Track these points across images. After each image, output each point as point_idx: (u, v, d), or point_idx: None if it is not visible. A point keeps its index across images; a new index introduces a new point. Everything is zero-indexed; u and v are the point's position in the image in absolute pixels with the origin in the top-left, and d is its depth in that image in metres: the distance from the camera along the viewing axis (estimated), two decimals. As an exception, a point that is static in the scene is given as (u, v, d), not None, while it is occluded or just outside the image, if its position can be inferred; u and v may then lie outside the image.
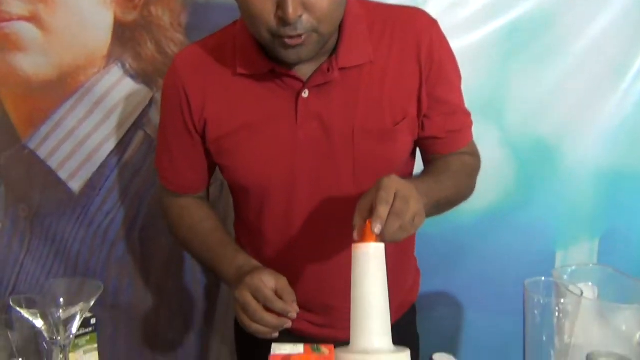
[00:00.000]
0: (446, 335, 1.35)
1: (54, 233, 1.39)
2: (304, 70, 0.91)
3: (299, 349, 0.69)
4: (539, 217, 1.32)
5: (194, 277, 1.45)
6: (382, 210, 0.75)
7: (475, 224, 1.31)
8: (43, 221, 1.40)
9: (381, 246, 0.75)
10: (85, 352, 0.94)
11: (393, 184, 0.77)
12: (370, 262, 0.74)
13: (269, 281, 0.86)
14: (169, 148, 1.03)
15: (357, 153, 0.93)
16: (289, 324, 0.84)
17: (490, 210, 1.31)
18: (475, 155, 1.03)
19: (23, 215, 1.40)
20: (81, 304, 0.82)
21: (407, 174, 1.03)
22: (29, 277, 1.42)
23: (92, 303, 0.84)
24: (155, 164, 1.07)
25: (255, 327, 0.84)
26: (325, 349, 0.70)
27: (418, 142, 1.00)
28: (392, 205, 0.76)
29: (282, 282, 0.87)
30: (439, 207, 0.91)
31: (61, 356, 0.86)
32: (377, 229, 0.74)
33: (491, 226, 1.33)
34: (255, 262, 0.94)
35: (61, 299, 0.86)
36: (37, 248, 1.41)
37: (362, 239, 0.75)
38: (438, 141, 0.98)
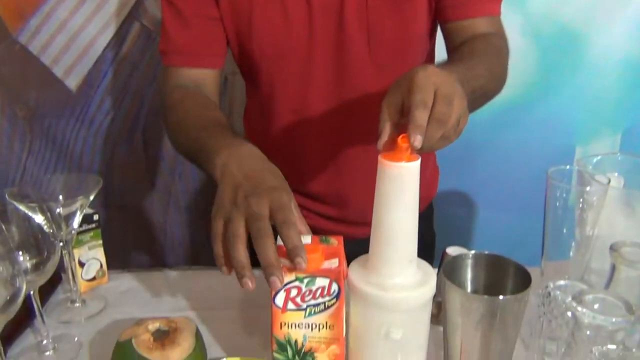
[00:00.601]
0: (461, 234, 1.33)
1: (54, 134, 1.35)
2: None
3: (306, 239, 0.65)
4: (559, 110, 1.26)
5: (201, 177, 1.42)
6: (421, 117, 0.59)
7: (492, 118, 1.25)
8: (42, 121, 1.35)
9: (416, 165, 0.60)
10: (90, 249, 0.92)
11: (431, 78, 0.62)
12: (402, 185, 0.60)
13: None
14: (179, 12, 0.91)
15: (370, 20, 0.86)
16: (247, 285, 0.61)
17: (509, 104, 1.24)
18: (502, 37, 0.92)
19: (21, 115, 1.35)
20: (81, 197, 0.79)
21: (426, 56, 0.95)
22: (33, 179, 1.39)
23: (91, 197, 0.81)
24: (161, 45, 0.95)
25: (217, 250, 0.64)
26: (334, 240, 0.66)
27: (437, 12, 0.90)
28: (433, 109, 0.61)
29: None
30: (474, 100, 0.74)
31: (65, 252, 0.84)
32: (418, 142, 0.58)
33: (509, 120, 1.27)
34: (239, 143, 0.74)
35: (60, 195, 0.83)
36: (38, 149, 1.38)
37: (392, 153, 0.60)
38: (457, 2, 0.88)
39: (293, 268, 0.61)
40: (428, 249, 1.10)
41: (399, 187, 0.61)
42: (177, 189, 1.45)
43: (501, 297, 0.62)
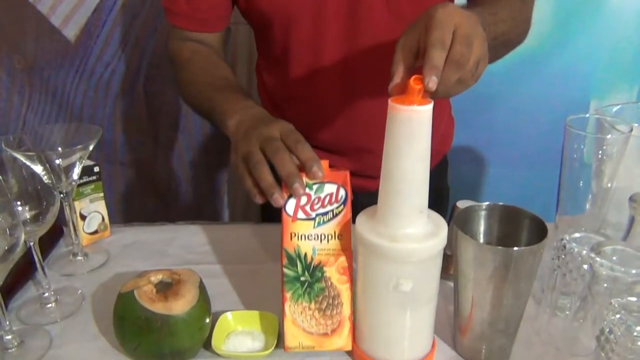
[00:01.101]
0: (471, 190, 1.30)
1: (54, 86, 1.32)
2: None
3: None
4: (575, 61, 1.21)
5: (204, 131, 1.39)
6: (438, 57, 0.55)
7: (505, 71, 1.21)
8: (41, 73, 1.32)
9: (428, 109, 0.56)
10: (91, 201, 0.90)
11: (451, 17, 0.57)
12: (413, 131, 0.57)
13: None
14: None
15: None
16: (278, 201, 0.64)
17: (523, 55, 1.19)
18: None
19: (19, 66, 1.32)
20: (80, 147, 0.77)
21: None
22: (32, 131, 1.36)
23: (91, 147, 0.78)
24: (164, 1, 0.93)
25: (248, 185, 0.66)
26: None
27: None
28: (451, 49, 0.56)
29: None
30: (495, 47, 0.70)
31: (65, 203, 0.82)
32: (433, 83, 0.55)
33: (523, 73, 1.23)
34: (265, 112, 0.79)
35: (59, 145, 0.80)
36: (38, 102, 1.34)
37: (403, 97, 0.57)
38: None
39: (303, 174, 0.62)
40: (441, 203, 1.07)
41: (410, 133, 0.57)
42: (180, 143, 1.42)
43: (516, 248, 0.60)
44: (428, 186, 0.61)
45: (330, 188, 0.63)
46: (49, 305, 0.76)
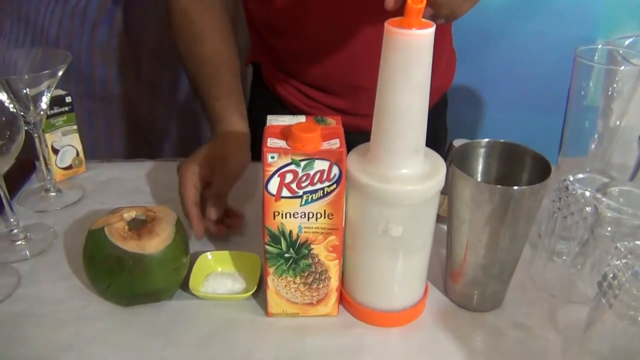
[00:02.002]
0: (469, 131, 1.25)
1: (26, 13, 1.23)
2: None
3: (299, 118, 0.58)
4: (579, -2, 1.14)
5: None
6: None
7: (505, 6, 1.14)
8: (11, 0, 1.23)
9: (429, 33, 0.50)
10: (64, 134, 0.84)
11: None
12: (412, 58, 0.51)
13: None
14: None
15: None
16: (197, 235, 0.72)
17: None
18: None
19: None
20: (47, 72, 0.71)
21: None
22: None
23: (59, 74, 0.72)
24: None
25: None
26: (331, 120, 0.58)
27: None
28: None
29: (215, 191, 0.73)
30: None
31: (35, 135, 0.76)
32: None
33: (526, 10, 1.15)
34: (234, 128, 0.78)
35: (26, 72, 0.74)
36: (11, 32, 1.26)
37: (401, 19, 0.51)
38: None
39: (289, 150, 0.53)
40: (439, 146, 1.02)
41: (407, 61, 0.52)
42: (162, 79, 1.35)
43: (516, 187, 0.56)
44: (426, 123, 0.56)
45: (321, 165, 0.54)
46: (19, 243, 0.72)
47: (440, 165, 0.58)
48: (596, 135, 0.68)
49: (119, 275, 0.59)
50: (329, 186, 0.55)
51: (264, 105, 1.01)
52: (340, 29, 0.85)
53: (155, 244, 0.60)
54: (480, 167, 0.64)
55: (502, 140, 0.62)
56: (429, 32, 0.51)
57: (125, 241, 0.59)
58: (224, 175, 0.72)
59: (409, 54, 0.51)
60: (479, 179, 0.64)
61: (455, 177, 0.58)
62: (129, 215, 0.63)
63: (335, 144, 0.55)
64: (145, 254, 0.59)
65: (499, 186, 0.56)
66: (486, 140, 0.63)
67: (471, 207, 0.58)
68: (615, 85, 0.64)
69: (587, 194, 0.60)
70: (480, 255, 0.60)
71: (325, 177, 0.54)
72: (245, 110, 0.81)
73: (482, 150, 0.63)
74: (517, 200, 0.56)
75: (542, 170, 0.59)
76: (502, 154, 0.63)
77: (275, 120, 0.58)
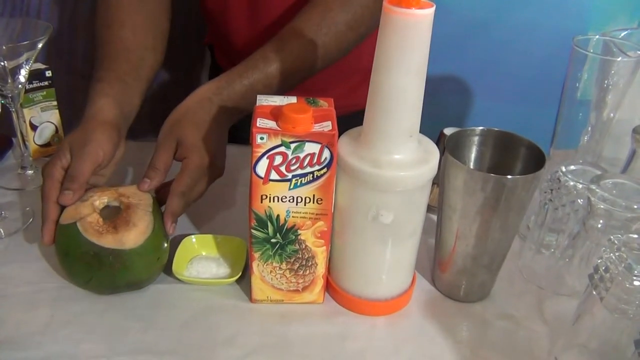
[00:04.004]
0: (457, 123, 1.24)
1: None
2: None
3: (290, 99, 0.56)
4: (573, -10, 1.13)
5: (174, 46, 1.28)
6: None
7: (498, -5, 1.13)
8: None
9: (429, 14, 0.49)
10: (43, 110, 0.81)
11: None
12: (407, 38, 0.49)
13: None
14: None
15: None
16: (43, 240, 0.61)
17: (519, -20, 1.11)
18: None
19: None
20: (26, 43, 0.67)
21: None
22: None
23: (39, 46, 0.69)
24: None
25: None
26: (323, 102, 0.57)
27: None
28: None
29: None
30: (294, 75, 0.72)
31: (12, 110, 0.73)
32: None
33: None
34: (100, 112, 0.70)
35: (3, 43, 0.71)
36: (-12, 2, 1.21)
37: None
38: None
39: (279, 131, 0.52)
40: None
41: (404, 41, 0.50)
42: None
43: (510, 177, 0.54)
44: (421, 108, 0.54)
45: (311, 147, 0.52)
46: (-8, 221, 0.69)
47: (434, 152, 0.57)
48: (589, 128, 0.68)
49: (99, 270, 0.57)
50: (319, 170, 0.53)
51: None
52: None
53: (134, 237, 0.57)
54: (473, 155, 0.63)
55: (496, 129, 0.61)
56: (429, 12, 0.49)
57: (101, 236, 0.56)
58: (80, 158, 0.63)
59: (407, 34, 0.50)
60: (472, 167, 0.62)
61: (448, 164, 0.57)
62: (101, 202, 0.60)
63: (327, 126, 0.53)
64: (124, 249, 0.57)
65: (492, 175, 0.55)
66: (480, 128, 0.61)
67: (463, 195, 0.57)
68: (610, 77, 0.64)
69: (580, 185, 0.59)
70: (470, 245, 0.59)
71: (315, 160, 0.53)
72: (132, 101, 0.77)
73: (475, 139, 0.62)
74: (510, 190, 0.55)
75: (536, 160, 0.58)
76: (496, 143, 0.62)
77: (265, 100, 0.56)
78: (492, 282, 0.64)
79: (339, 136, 0.54)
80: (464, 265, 0.61)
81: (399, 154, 0.54)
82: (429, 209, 0.62)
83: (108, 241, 0.56)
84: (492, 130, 0.61)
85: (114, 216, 0.59)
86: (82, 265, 0.57)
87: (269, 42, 0.73)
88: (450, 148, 0.58)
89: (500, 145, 0.61)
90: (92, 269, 0.57)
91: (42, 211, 0.61)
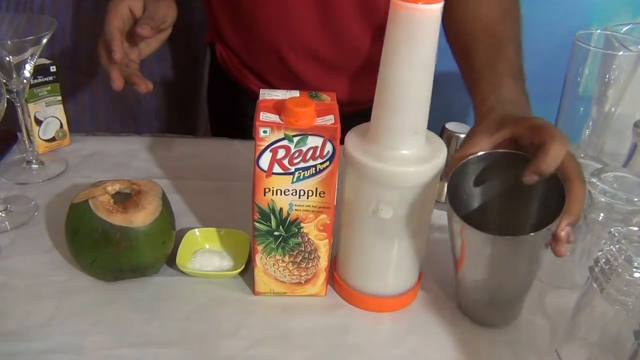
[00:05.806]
0: (460, 119, 1.24)
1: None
2: None
3: (293, 93, 0.56)
4: (576, -15, 1.14)
5: (178, 41, 1.28)
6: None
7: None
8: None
9: (437, 9, 0.49)
10: (47, 105, 0.82)
11: None
12: (414, 33, 0.49)
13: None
14: None
15: None
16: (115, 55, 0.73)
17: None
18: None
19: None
20: (31, 38, 0.68)
21: None
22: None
23: (44, 41, 0.70)
24: None
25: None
26: (326, 96, 0.57)
27: None
28: None
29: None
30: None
31: (17, 104, 0.74)
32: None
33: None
34: None
35: (8, 38, 0.71)
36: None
37: None
38: None
39: (282, 124, 0.52)
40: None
41: (411, 36, 0.50)
42: (149, 54, 1.32)
43: (520, 236, 0.51)
44: (428, 104, 0.54)
45: (314, 141, 0.52)
46: (-1, 214, 0.70)
47: (441, 150, 0.56)
48: (590, 122, 0.68)
49: (105, 249, 0.58)
50: (321, 163, 0.54)
51: (218, 84, 1.03)
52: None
53: (142, 217, 0.58)
54: (479, 189, 0.59)
55: (503, 150, 0.56)
56: (436, 7, 0.49)
57: (111, 214, 0.58)
58: (156, 4, 0.74)
59: (414, 29, 0.50)
60: (480, 197, 0.59)
61: (453, 220, 0.54)
62: (113, 188, 0.62)
63: (330, 120, 0.53)
64: (132, 227, 0.58)
65: (509, 237, 0.51)
66: (483, 152, 0.56)
67: (480, 254, 0.54)
68: (612, 71, 0.64)
69: (581, 179, 0.59)
70: (487, 290, 0.57)
71: (318, 154, 0.53)
72: None
73: (481, 165, 0.57)
74: (527, 245, 0.52)
75: (553, 186, 0.51)
76: (505, 165, 0.56)
77: (268, 94, 0.56)
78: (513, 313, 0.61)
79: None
80: (482, 304, 0.60)
81: (403, 150, 0.55)
82: (437, 205, 0.61)
83: (117, 219, 0.58)
84: (499, 152, 0.56)
85: (125, 200, 0.61)
86: (89, 242, 0.58)
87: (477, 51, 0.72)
88: (453, 186, 0.55)
89: (510, 166, 0.55)
90: (99, 246, 0.58)
91: (108, 37, 0.72)
